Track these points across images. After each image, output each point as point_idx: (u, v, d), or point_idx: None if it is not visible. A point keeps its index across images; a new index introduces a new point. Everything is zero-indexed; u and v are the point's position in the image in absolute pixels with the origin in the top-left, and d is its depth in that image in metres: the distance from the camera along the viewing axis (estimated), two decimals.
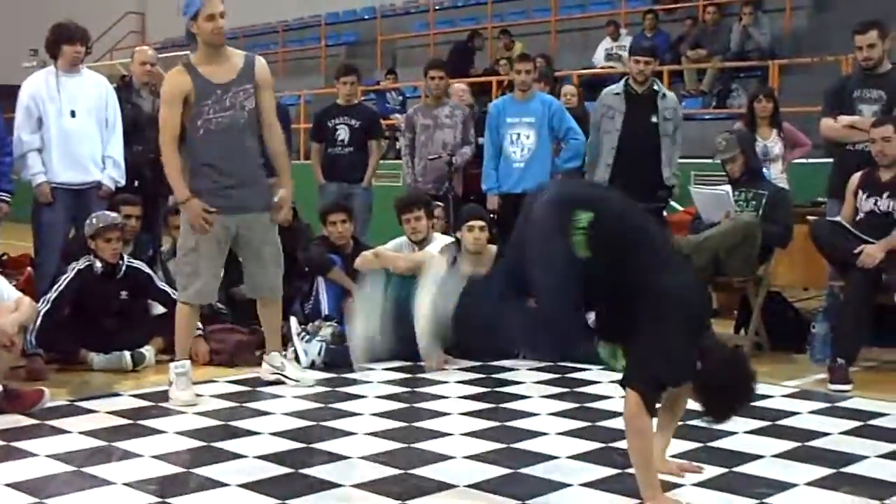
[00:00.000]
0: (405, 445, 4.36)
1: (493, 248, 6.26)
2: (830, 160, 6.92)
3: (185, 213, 5.17)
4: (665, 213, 7.51)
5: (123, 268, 6.07)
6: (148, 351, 5.96)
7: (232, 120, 5.13)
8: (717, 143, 6.74)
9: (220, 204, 5.11)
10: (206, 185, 5.11)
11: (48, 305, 5.78)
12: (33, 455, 4.19)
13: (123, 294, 6.11)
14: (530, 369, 5.88)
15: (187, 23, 5.14)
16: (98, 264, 5.94)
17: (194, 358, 5.59)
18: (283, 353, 5.60)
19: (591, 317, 3.81)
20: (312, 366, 5.91)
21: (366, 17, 19.61)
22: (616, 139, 7.09)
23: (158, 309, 6.46)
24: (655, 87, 7.19)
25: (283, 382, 5.47)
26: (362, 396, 5.26)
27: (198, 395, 5.14)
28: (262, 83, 5.25)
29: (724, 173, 6.74)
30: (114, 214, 6.18)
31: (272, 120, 5.34)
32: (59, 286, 5.86)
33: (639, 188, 7.06)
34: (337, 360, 5.93)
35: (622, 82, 7.27)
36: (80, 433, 4.52)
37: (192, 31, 5.16)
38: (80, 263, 5.94)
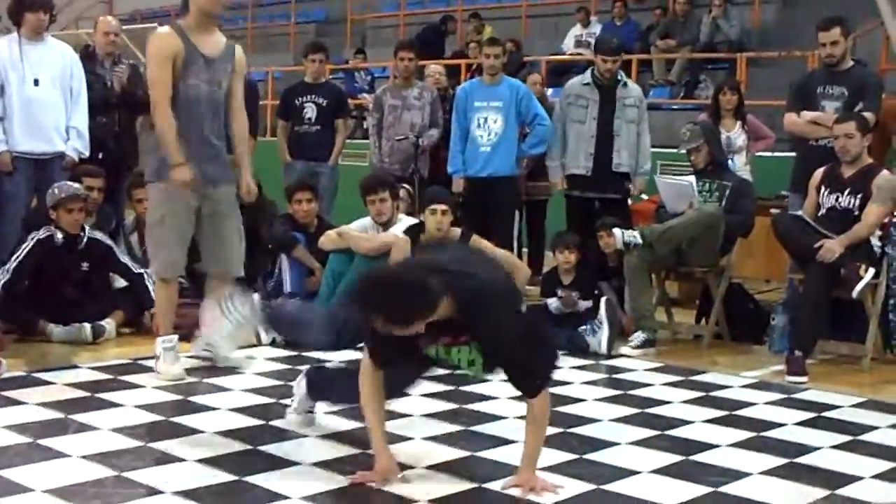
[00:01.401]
0: (362, 426, 4.34)
1: (457, 230, 6.25)
2: (794, 154, 6.98)
3: (173, 177, 5.03)
4: (630, 202, 7.55)
5: (84, 239, 6.03)
6: (108, 324, 5.92)
7: (210, 92, 5.12)
8: (681, 134, 6.80)
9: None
10: (195, 151, 5.07)
11: (8, 275, 5.74)
12: None
13: (84, 266, 6.07)
14: None
15: None
16: (59, 235, 5.89)
17: (155, 331, 5.55)
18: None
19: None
20: (273, 343, 5.89)
21: None
22: (594, 128, 7.13)
23: (120, 282, 6.43)
24: (619, 77, 7.24)
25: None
26: None
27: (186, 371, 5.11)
28: (238, 69, 5.29)
29: (689, 164, 6.78)
30: (76, 185, 6.12)
31: (240, 105, 5.38)
32: (19, 256, 5.80)
33: (610, 177, 7.17)
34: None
35: (589, 73, 7.30)
36: (37, 405, 4.49)
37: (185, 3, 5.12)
38: (41, 233, 5.89)
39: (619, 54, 7.31)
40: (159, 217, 5.13)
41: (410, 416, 4.53)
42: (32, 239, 5.86)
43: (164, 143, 5.04)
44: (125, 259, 6.18)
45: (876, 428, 4.59)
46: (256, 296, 6.09)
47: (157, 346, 5.15)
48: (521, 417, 4.50)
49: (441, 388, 5.05)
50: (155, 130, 5.09)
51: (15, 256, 5.81)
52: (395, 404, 4.65)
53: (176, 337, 5.19)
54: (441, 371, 5.35)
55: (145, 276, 6.04)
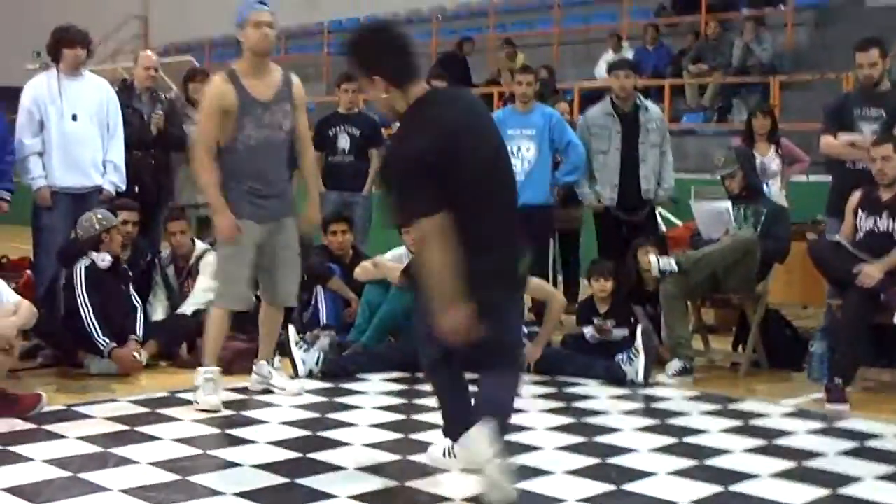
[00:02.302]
0: (400, 457, 4.36)
1: None
2: (830, 178, 6.93)
3: (217, 223, 5.18)
4: (664, 228, 7.54)
5: (122, 266, 6.14)
6: (141, 354, 5.96)
7: (269, 138, 5.19)
8: (715, 160, 6.76)
9: (253, 212, 5.17)
10: (239, 195, 5.16)
11: (90, 308, 5.80)
12: (29, 460, 4.19)
13: (124, 289, 6.15)
14: (527, 383, 5.87)
15: (237, 31, 5.19)
16: (105, 259, 5.94)
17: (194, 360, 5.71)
18: (272, 362, 5.59)
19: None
20: (310, 375, 5.90)
21: None
22: (618, 158, 7.14)
23: (158, 314, 6.49)
24: (638, 102, 7.24)
25: (271, 392, 5.46)
26: (359, 407, 5.26)
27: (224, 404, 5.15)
28: (298, 102, 5.34)
29: (724, 189, 6.74)
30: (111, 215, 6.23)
31: (307, 140, 5.49)
32: (81, 285, 5.83)
33: (639, 203, 7.18)
34: (334, 369, 5.94)
35: (609, 101, 7.31)
36: (77, 438, 4.52)
37: (239, 40, 5.21)
38: (84, 262, 5.93)
39: (631, 67, 7.32)
40: (231, 253, 5.19)
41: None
42: (79, 270, 5.88)
43: (207, 196, 5.15)
44: (133, 294, 6.23)
45: None
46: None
47: (198, 376, 5.18)
48: (559, 448, 4.50)
49: None
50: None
51: (80, 292, 5.83)
52: (432, 436, 4.67)
53: (218, 369, 5.22)
54: None
55: (139, 309, 6.14)
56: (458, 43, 15.45)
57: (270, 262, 5.33)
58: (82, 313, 5.79)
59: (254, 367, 5.57)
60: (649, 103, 7.51)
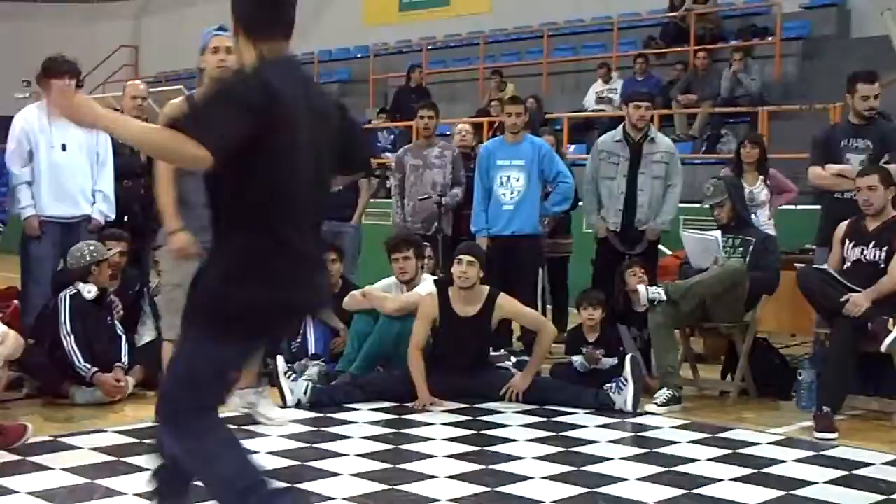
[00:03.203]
0: (389, 487, 4.34)
1: (486, 287, 6.24)
2: (818, 207, 6.96)
3: (170, 244, 5.07)
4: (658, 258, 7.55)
5: (109, 297, 6.12)
6: (127, 382, 5.94)
7: None
8: (705, 189, 6.79)
9: (201, 241, 5.07)
10: (188, 220, 5.03)
11: (72, 336, 5.79)
12: (14, 492, 4.16)
13: (109, 321, 6.13)
14: (516, 412, 5.87)
15: (198, 58, 5.19)
16: (91, 291, 5.93)
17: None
18: (259, 389, 5.55)
19: None
20: (298, 405, 5.88)
21: (359, 55, 19.70)
22: (624, 185, 7.16)
23: (144, 338, 6.48)
24: (647, 133, 7.26)
25: (257, 422, 5.43)
26: (347, 437, 5.24)
27: None
28: None
29: (712, 218, 6.77)
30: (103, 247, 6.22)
31: None
32: (64, 318, 5.83)
33: (637, 234, 7.18)
34: (322, 399, 5.92)
35: (620, 129, 7.32)
36: (63, 469, 4.49)
37: (200, 67, 5.20)
38: (69, 291, 5.93)
39: (650, 100, 7.36)
40: (177, 281, 5.09)
41: (436, 477, 4.50)
42: (62, 299, 5.89)
43: (163, 212, 5.05)
44: (117, 322, 6.22)
45: None
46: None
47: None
48: (547, 478, 4.49)
49: (467, 448, 5.03)
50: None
51: (62, 320, 5.83)
52: (421, 465, 4.65)
53: None
54: (467, 430, 5.35)
55: (123, 339, 6.12)
56: (406, 73, 15.60)
57: None
58: (64, 341, 5.78)
59: (237, 393, 5.46)
60: (659, 135, 7.48)
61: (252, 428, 5.36)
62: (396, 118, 14.80)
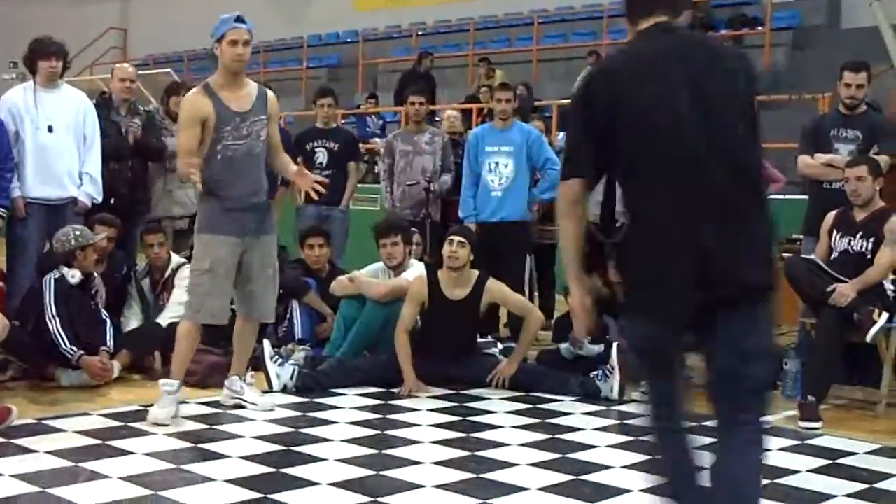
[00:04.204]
0: (375, 473, 4.34)
1: (475, 272, 6.24)
2: (805, 197, 6.97)
3: (178, 166, 5.23)
4: None
5: (94, 282, 6.09)
6: (113, 366, 5.92)
7: (248, 148, 5.21)
8: None
9: (231, 227, 5.17)
10: (218, 211, 5.17)
11: (57, 319, 5.75)
12: None
13: (93, 305, 6.11)
14: (502, 398, 5.88)
15: (213, 45, 5.23)
16: (75, 275, 5.91)
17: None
18: (244, 377, 5.56)
19: None
20: (284, 389, 5.88)
21: (348, 40, 19.67)
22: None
23: (131, 323, 6.46)
24: None
25: (243, 407, 5.44)
26: (333, 422, 5.23)
27: (173, 418, 5.10)
28: (273, 114, 5.39)
29: None
30: (89, 231, 6.18)
31: (279, 148, 5.48)
32: (50, 301, 5.80)
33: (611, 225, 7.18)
34: (309, 384, 5.91)
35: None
36: (47, 452, 4.47)
37: (214, 54, 5.25)
38: (54, 275, 5.91)
39: None
40: (207, 266, 5.18)
41: (421, 463, 4.50)
42: (48, 281, 5.87)
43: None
44: (101, 307, 6.21)
45: (891, 475, 4.53)
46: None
47: (160, 386, 5.16)
48: (533, 465, 4.49)
49: (453, 435, 5.03)
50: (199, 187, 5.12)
51: (47, 303, 5.81)
52: (407, 451, 4.65)
53: (178, 383, 5.19)
54: (453, 417, 5.36)
55: (108, 323, 6.10)
56: (417, 57, 15.44)
57: (248, 279, 5.32)
58: (49, 324, 5.75)
59: (225, 382, 5.54)
60: None
61: (237, 412, 5.35)
62: (400, 104, 14.70)
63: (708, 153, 2.88)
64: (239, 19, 5.18)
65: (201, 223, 5.25)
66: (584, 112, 3.05)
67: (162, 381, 5.19)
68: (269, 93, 5.43)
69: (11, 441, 4.64)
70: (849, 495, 4.22)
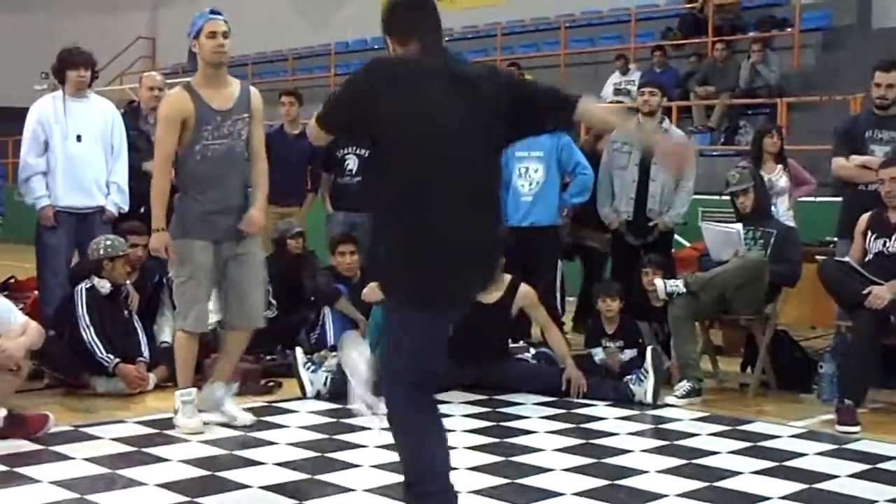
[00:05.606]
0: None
1: (507, 277, 6.23)
2: (838, 199, 6.91)
3: (152, 242, 5.16)
4: (672, 249, 7.51)
5: (125, 292, 6.13)
6: (149, 378, 5.94)
7: (229, 147, 5.12)
8: (729, 176, 6.69)
9: (209, 231, 5.09)
10: (194, 216, 5.09)
11: (91, 329, 5.81)
12: (36, 481, 4.17)
13: (125, 315, 6.15)
14: (536, 403, 5.86)
15: (190, 42, 5.14)
16: (107, 285, 5.94)
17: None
18: (230, 387, 5.37)
19: None
20: (318, 396, 5.88)
21: (375, 46, 19.64)
22: (636, 173, 7.13)
23: (164, 331, 6.48)
24: (664, 126, 7.22)
25: (280, 413, 5.41)
26: (368, 428, 5.22)
27: (204, 424, 5.11)
28: (255, 114, 5.24)
29: (731, 210, 6.72)
30: (122, 240, 6.21)
31: (260, 151, 5.30)
32: (82, 310, 5.84)
33: (645, 225, 7.16)
34: (342, 390, 5.90)
35: (634, 120, 7.29)
36: (84, 460, 4.50)
37: (193, 51, 5.14)
38: (85, 285, 5.95)
39: (659, 87, 7.32)
40: (188, 274, 5.13)
41: (456, 469, 4.48)
42: (80, 291, 5.91)
43: (152, 202, 5.08)
44: (135, 317, 6.24)
45: None
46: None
47: (175, 399, 5.16)
48: (568, 470, 4.47)
49: (487, 440, 5.02)
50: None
51: (80, 313, 5.84)
52: None
53: (195, 390, 5.18)
54: (487, 422, 5.34)
55: (140, 333, 6.14)
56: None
57: (234, 284, 5.22)
58: (84, 333, 5.79)
59: (204, 387, 5.35)
60: (673, 127, 7.49)
61: (272, 418, 5.36)
62: None
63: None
64: (214, 12, 5.10)
65: (174, 227, 5.11)
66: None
67: (177, 392, 5.17)
68: (254, 91, 5.29)
69: (49, 448, 4.67)
70: (890, 500, 4.17)
